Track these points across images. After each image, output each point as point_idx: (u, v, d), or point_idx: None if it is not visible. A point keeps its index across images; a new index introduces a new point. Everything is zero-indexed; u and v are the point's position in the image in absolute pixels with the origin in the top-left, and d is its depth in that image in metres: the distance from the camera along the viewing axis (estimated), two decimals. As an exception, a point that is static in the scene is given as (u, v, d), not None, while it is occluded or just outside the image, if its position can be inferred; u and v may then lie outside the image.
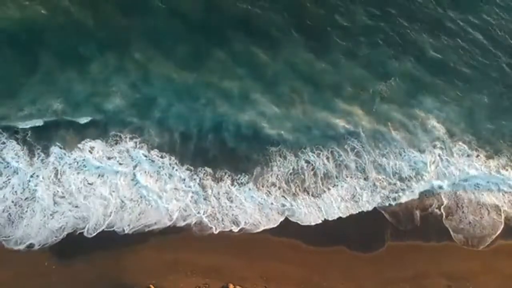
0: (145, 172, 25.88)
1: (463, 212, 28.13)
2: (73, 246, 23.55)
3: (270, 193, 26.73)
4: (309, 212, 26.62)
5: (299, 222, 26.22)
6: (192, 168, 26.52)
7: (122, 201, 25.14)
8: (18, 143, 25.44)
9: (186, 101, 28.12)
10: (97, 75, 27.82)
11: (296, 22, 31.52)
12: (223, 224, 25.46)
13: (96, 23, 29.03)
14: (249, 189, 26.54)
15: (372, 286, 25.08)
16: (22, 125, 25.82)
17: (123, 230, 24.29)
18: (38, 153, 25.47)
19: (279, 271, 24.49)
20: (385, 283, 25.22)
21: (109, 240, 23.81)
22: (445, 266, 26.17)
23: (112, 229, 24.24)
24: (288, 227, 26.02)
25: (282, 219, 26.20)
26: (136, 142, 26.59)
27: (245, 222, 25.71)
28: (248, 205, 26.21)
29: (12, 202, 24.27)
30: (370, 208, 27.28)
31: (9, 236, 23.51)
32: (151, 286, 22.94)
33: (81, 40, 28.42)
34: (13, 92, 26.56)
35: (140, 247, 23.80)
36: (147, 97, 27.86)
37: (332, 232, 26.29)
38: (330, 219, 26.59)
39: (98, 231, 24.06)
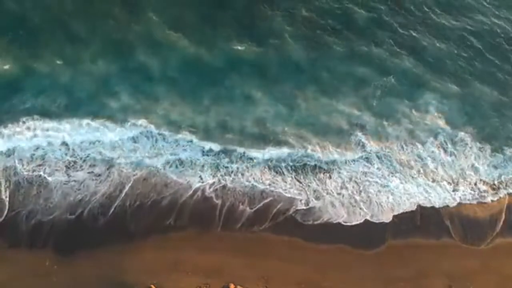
0: (162, 147, 26.18)
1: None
2: (74, 246, 23.44)
3: (283, 173, 27.22)
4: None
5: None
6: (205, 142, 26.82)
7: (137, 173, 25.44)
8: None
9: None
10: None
11: (298, 22, 31.28)
12: (233, 197, 25.93)
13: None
14: (259, 163, 27.04)
15: (373, 285, 25.20)
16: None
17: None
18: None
19: (280, 271, 24.55)
20: (386, 283, 25.35)
21: (110, 240, 23.72)
22: (445, 266, 26.32)
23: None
24: (288, 225, 25.97)
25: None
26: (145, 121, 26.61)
27: (264, 193, 26.22)
28: (263, 181, 26.77)
29: (22, 169, 24.18)
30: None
31: (17, 210, 23.42)
32: (152, 286, 22.99)
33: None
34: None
35: (141, 247, 23.74)
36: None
37: (332, 231, 26.32)
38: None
39: (114, 206, 24.34)
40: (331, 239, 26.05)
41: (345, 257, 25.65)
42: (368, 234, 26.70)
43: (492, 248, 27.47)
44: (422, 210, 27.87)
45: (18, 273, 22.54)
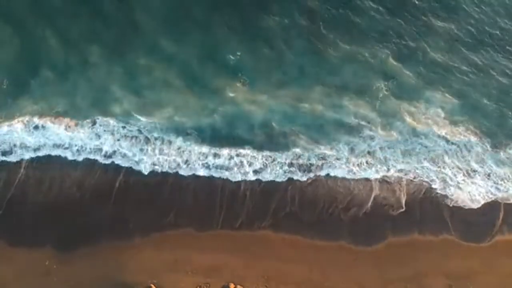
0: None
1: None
2: (74, 245, 23.49)
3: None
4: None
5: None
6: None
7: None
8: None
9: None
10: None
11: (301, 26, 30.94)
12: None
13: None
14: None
15: (373, 285, 25.22)
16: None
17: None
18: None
19: (280, 270, 24.57)
20: (386, 282, 25.35)
21: (110, 239, 23.78)
22: (445, 264, 26.29)
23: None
24: (288, 223, 25.88)
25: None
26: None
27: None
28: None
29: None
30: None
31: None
32: (152, 285, 23.04)
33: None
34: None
35: (141, 247, 23.77)
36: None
37: (332, 228, 26.26)
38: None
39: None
40: (331, 237, 26.03)
41: (345, 255, 25.64)
42: (368, 231, 26.62)
43: (492, 245, 27.41)
44: (421, 208, 27.79)
45: (18, 273, 22.61)
